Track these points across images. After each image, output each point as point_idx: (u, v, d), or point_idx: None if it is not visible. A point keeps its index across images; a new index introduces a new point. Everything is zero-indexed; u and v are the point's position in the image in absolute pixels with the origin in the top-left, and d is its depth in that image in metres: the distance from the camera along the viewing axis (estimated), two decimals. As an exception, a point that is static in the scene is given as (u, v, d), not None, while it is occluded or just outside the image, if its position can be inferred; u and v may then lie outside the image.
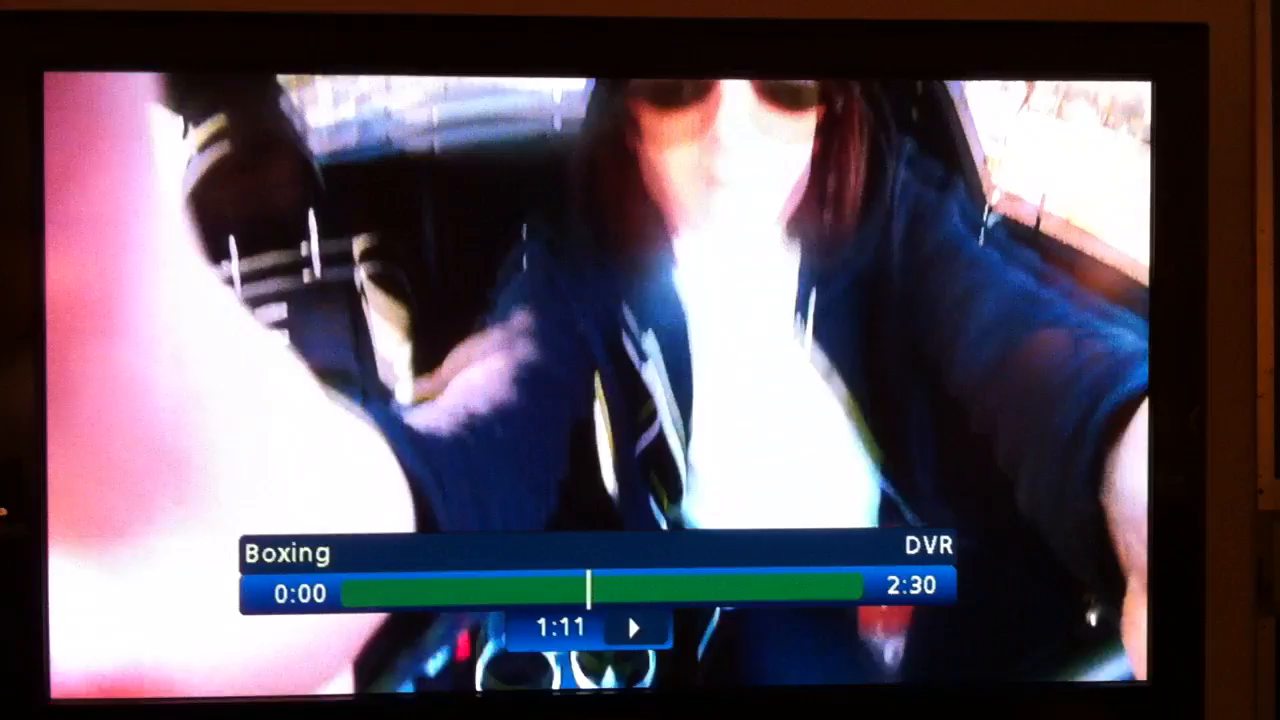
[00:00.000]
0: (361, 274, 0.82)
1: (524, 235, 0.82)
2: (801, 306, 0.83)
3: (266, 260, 0.82)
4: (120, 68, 0.80)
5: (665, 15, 0.84)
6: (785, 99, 0.80)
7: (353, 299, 0.82)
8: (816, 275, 0.82)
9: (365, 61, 0.82)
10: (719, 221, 0.83)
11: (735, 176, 0.80)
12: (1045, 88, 0.84)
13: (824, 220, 0.82)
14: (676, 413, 0.83)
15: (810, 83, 0.81)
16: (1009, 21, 0.85)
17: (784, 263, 0.83)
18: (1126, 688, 0.88)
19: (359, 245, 0.83)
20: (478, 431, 0.81)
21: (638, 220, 0.82)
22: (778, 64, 0.83)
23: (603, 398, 0.83)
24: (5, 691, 0.83)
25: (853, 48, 0.85)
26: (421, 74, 0.81)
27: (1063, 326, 0.83)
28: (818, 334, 0.83)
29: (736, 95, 0.79)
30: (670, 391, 0.83)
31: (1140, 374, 0.85)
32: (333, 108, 0.82)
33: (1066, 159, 0.85)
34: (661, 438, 0.83)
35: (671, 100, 0.80)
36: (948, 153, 0.85)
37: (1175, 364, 0.87)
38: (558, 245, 0.82)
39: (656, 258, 0.83)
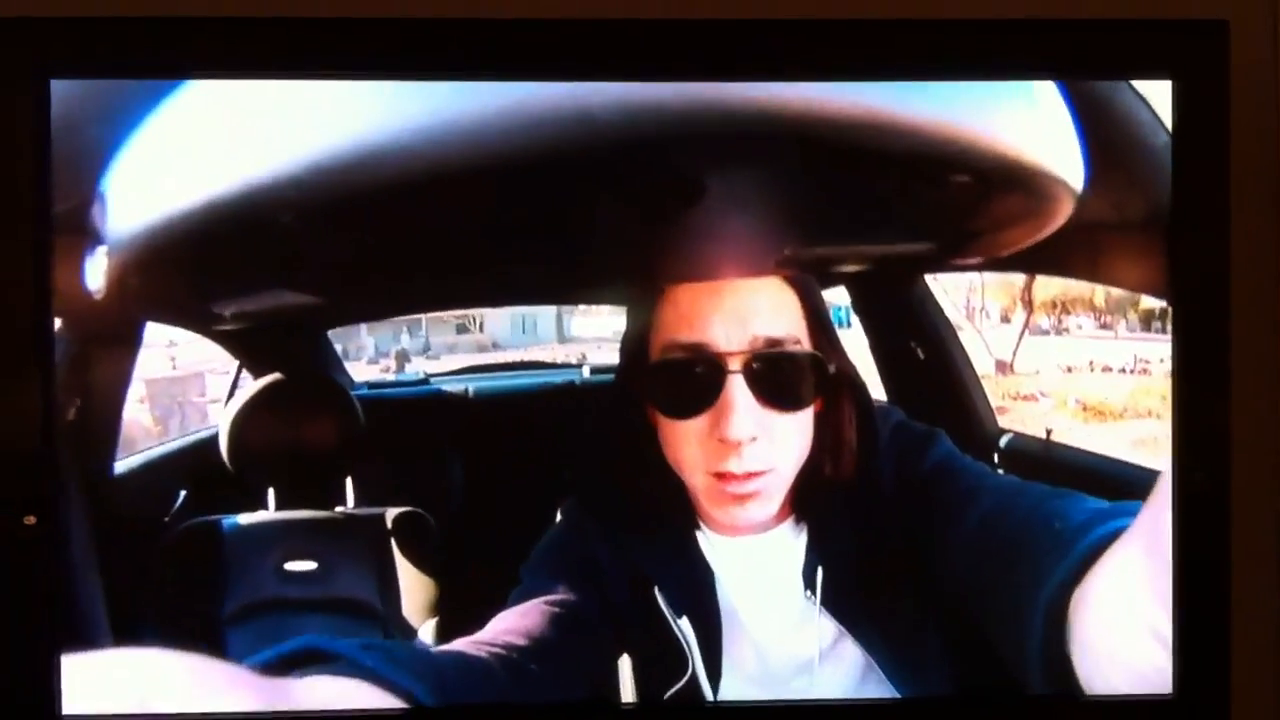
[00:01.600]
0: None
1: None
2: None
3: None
4: (129, 75, 0.80)
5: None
6: (787, 402, 0.82)
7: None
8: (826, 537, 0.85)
9: (383, 66, 0.81)
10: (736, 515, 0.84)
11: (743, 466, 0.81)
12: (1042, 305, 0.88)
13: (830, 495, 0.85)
14: (704, 664, 0.84)
15: (809, 385, 0.83)
16: (1023, 21, 0.84)
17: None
18: (1150, 701, 0.84)
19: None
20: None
21: (660, 485, 0.84)
22: (785, 65, 0.82)
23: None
24: (16, 706, 0.80)
25: (869, 47, 0.83)
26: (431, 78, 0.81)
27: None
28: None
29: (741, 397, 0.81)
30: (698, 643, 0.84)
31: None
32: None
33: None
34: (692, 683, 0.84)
35: (681, 411, 0.82)
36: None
37: (1200, 366, 0.84)
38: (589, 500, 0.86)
39: (679, 520, 0.86)
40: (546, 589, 0.83)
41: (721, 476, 0.81)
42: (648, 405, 0.83)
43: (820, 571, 0.84)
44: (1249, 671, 0.87)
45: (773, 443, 0.81)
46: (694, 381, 0.81)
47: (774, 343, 0.81)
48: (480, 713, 0.80)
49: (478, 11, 0.81)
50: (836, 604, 0.84)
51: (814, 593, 0.84)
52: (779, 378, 0.81)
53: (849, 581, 0.84)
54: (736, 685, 0.85)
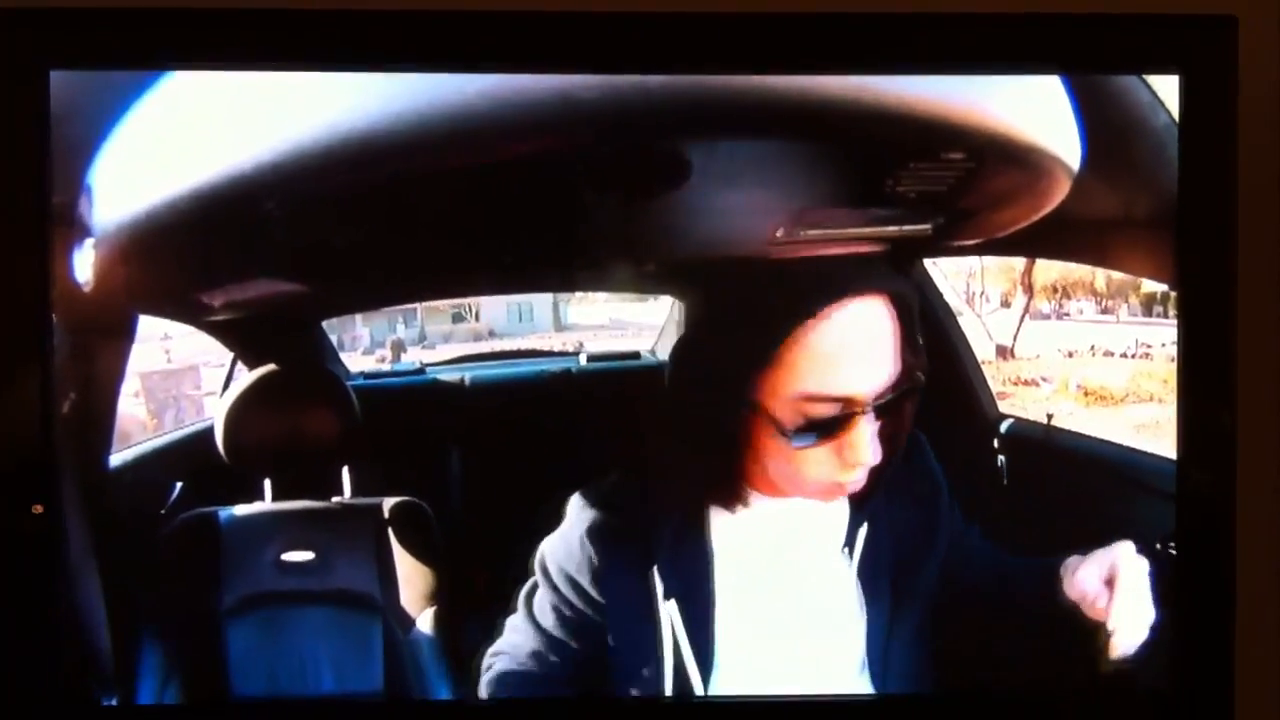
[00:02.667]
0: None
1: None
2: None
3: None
4: (129, 66, 0.79)
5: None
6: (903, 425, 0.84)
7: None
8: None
9: (379, 56, 0.81)
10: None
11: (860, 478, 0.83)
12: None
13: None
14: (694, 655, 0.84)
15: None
16: (1032, 15, 0.84)
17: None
18: (1150, 695, 0.85)
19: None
20: None
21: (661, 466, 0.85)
22: (790, 60, 0.82)
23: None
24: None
25: (879, 42, 0.83)
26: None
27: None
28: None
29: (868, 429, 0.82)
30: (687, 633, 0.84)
31: None
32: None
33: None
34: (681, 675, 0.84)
35: (808, 441, 0.82)
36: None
37: (1204, 363, 0.84)
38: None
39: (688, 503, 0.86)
40: (527, 644, 0.85)
41: (837, 485, 0.83)
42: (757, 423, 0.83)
43: (863, 531, 0.86)
44: (1252, 662, 0.87)
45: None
46: (829, 421, 0.81)
47: (899, 384, 0.82)
48: (473, 708, 0.81)
49: (463, 4, 0.80)
50: (867, 574, 0.85)
51: (851, 555, 0.86)
52: (903, 411, 0.83)
53: (884, 557, 0.86)
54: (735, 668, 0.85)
